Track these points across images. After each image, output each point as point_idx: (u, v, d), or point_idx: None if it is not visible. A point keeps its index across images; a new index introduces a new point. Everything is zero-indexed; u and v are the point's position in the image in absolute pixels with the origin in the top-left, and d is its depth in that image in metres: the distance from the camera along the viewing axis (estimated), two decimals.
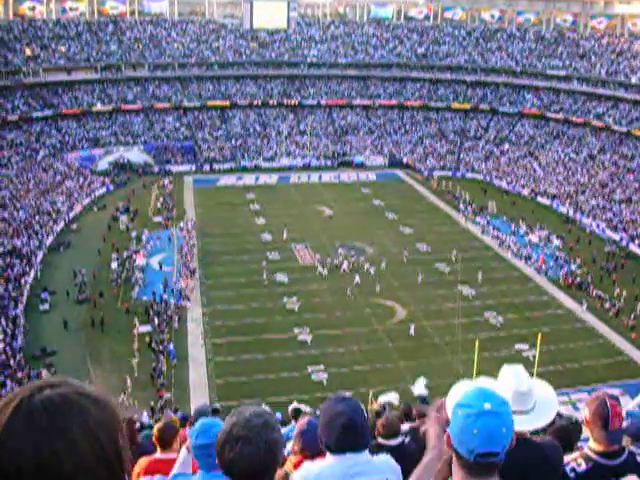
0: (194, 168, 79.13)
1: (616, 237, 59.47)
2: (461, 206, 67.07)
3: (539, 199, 71.02)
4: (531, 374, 3.63)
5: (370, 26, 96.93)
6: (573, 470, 3.74)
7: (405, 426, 7.10)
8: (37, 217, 56.90)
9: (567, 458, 3.80)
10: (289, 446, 5.04)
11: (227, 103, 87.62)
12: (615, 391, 29.54)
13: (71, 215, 61.57)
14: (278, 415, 13.63)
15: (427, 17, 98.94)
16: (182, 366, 37.98)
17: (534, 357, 36.13)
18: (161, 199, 66.43)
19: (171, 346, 39.20)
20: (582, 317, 45.14)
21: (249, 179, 76.13)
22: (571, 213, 66.11)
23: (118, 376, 35.59)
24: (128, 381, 34.81)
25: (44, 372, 34.64)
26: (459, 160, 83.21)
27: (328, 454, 3.09)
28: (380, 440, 5.75)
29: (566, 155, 78.82)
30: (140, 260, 50.96)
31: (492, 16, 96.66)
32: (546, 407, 3.49)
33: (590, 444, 3.84)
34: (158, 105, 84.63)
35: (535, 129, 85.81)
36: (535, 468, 3.32)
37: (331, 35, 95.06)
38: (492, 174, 78.78)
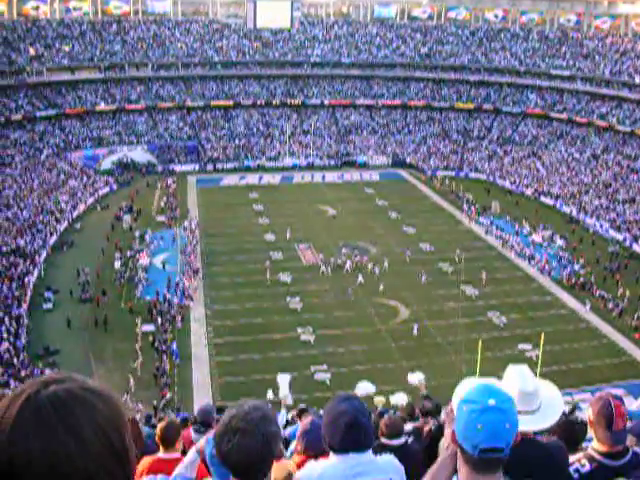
0: (197, 168, 79.19)
1: (619, 237, 59.37)
2: (464, 206, 67.03)
3: (542, 199, 70.93)
4: (534, 374, 3.63)
5: (373, 26, 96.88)
6: (577, 471, 3.73)
7: (408, 426, 7.10)
8: (41, 216, 57.00)
9: (571, 458, 3.80)
10: (292, 446, 5.04)
11: (230, 103, 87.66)
12: (619, 391, 29.50)
13: (75, 214, 61.65)
14: (283, 413, 13.63)
15: (430, 17, 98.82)
16: (185, 365, 38.03)
17: (537, 357, 36.08)
18: (164, 198, 66.49)
19: (174, 345, 39.24)
20: (585, 317, 45.08)
21: (252, 179, 76.15)
22: (575, 213, 66.00)
23: (121, 375, 35.67)
24: (131, 380, 34.87)
25: (47, 371, 34.70)
26: (462, 160, 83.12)
27: (331, 454, 3.09)
28: (383, 440, 5.75)
29: (570, 155, 78.72)
30: (143, 259, 51.04)
31: (496, 16, 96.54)
32: (551, 407, 3.48)
33: (594, 444, 3.83)
34: (162, 105, 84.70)
35: (539, 129, 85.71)
36: (540, 468, 3.32)
37: (334, 35, 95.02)
38: (495, 174, 78.69)
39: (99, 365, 37.26)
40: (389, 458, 3.24)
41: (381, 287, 47.11)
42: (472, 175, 79.84)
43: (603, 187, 69.45)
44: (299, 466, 3.95)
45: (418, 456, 5.22)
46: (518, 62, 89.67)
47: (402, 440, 5.77)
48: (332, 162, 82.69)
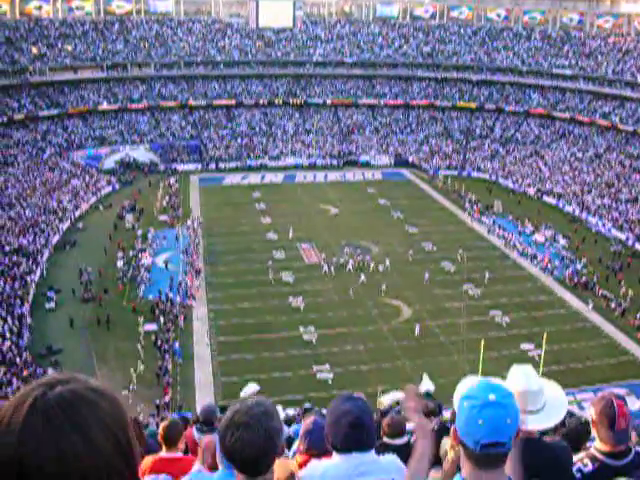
0: (200, 167, 79.24)
1: (622, 236, 59.29)
2: (467, 205, 67.00)
3: (545, 198, 70.86)
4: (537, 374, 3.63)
5: (376, 25, 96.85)
6: (579, 470, 3.73)
7: (410, 425, 7.09)
8: (43, 216, 57.06)
9: (574, 458, 3.80)
10: (295, 445, 5.04)
11: (233, 102, 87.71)
12: (621, 391, 29.51)
13: (77, 214, 61.71)
14: (289, 411, 13.65)
15: (433, 16, 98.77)
16: (188, 365, 38.07)
17: (540, 357, 36.06)
18: (167, 198, 66.54)
19: (177, 345, 39.28)
20: (588, 317, 45.04)
21: (255, 178, 76.18)
22: (577, 212, 65.94)
23: (124, 374, 35.68)
24: (134, 379, 34.89)
25: (50, 370, 34.72)
26: (465, 159, 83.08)
27: (334, 453, 3.09)
28: (386, 439, 5.75)
29: (572, 154, 78.65)
30: (146, 259, 51.08)
31: (498, 15, 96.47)
32: (556, 407, 3.49)
33: (596, 444, 3.83)
34: (164, 104, 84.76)
35: (541, 128, 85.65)
36: (545, 468, 3.32)
37: (337, 34, 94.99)
38: (498, 173, 78.64)
39: (101, 364, 37.28)
40: (392, 458, 3.25)
41: (384, 286, 47.10)
42: (474, 174, 79.78)
43: (606, 186, 69.36)
44: (302, 466, 3.96)
45: None
46: (520, 61, 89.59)
47: (404, 439, 5.77)
48: (334, 161, 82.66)
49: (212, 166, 79.59)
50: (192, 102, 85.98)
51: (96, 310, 43.18)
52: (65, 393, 1.50)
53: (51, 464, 1.42)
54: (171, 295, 45.26)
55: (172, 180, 72.26)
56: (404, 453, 3.69)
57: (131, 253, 52.37)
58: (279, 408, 13.99)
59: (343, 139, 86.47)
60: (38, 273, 48.15)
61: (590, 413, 3.82)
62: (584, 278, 50.06)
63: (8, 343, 36.40)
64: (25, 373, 33.48)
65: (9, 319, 38.89)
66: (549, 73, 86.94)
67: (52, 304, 44.06)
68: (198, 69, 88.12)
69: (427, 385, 33.62)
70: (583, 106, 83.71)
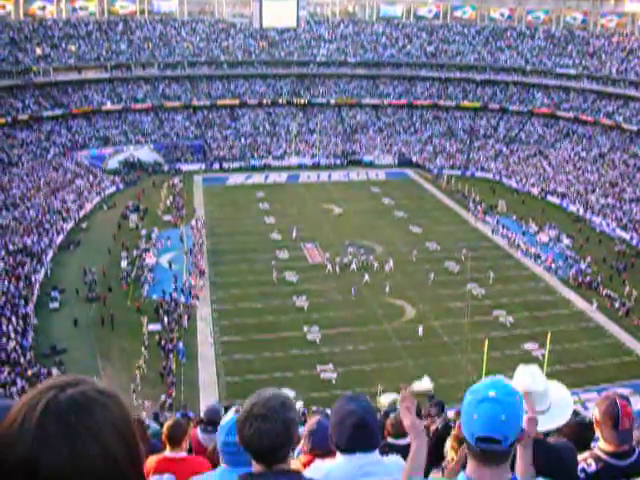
0: (204, 167, 79.29)
1: (626, 236, 59.16)
2: (470, 205, 66.93)
3: (549, 198, 70.76)
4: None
5: (379, 25, 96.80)
6: (583, 470, 3.73)
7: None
8: (47, 216, 57.15)
9: (577, 458, 3.80)
10: (299, 445, 5.04)
11: (237, 102, 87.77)
12: (625, 391, 29.47)
13: (81, 214, 61.80)
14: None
15: (436, 16, 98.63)
16: (192, 365, 38.09)
17: (543, 356, 36.02)
18: (171, 198, 66.59)
19: (180, 345, 39.31)
20: (592, 316, 44.95)
21: (258, 178, 76.22)
22: (581, 212, 65.82)
23: (127, 374, 35.73)
24: (138, 379, 34.93)
25: (54, 370, 34.78)
26: (469, 159, 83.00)
27: (338, 454, 3.10)
28: (389, 440, 5.75)
29: (576, 154, 78.52)
30: (150, 259, 51.13)
31: (502, 14, 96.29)
32: (561, 407, 3.49)
33: (600, 444, 3.83)
34: (168, 104, 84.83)
35: (545, 128, 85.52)
36: (550, 469, 3.32)
37: (340, 34, 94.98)
38: (502, 173, 78.55)
39: (105, 364, 37.33)
40: (395, 459, 3.25)
41: (387, 287, 47.06)
42: (478, 174, 79.68)
43: (609, 186, 69.23)
44: (305, 466, 3.96)
45: None
46: (524, 61, 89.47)
47: (408, 439, 5.77)
48: (338, 161, 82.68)
49: (216, 166, 79.66)
50: (196, 102, 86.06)
51: (100, 310, 43.23)
52: (76, 396, 1.52)
53: (67, 465, 1.44)
54: (175, 295, 45.31)
55: (176, 180, 72.32)
56: (408, 453, 3.70)
57: (135, 253, 52.43)
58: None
59: (347, 139, 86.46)
60: (42, 273, 48.24)
61: (594, 413, 3.82)
62: (588, 278, 49.99)
63: (12, 343, 36.48)
64: (29, 373, 33.54)
65: (13, 319, 38.98)
66: (553, 73, 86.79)
67: (56, 304, 44.13)
68: (202, 69, 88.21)
69: (425, 384, 33.61)
70: (587, 105, 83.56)
